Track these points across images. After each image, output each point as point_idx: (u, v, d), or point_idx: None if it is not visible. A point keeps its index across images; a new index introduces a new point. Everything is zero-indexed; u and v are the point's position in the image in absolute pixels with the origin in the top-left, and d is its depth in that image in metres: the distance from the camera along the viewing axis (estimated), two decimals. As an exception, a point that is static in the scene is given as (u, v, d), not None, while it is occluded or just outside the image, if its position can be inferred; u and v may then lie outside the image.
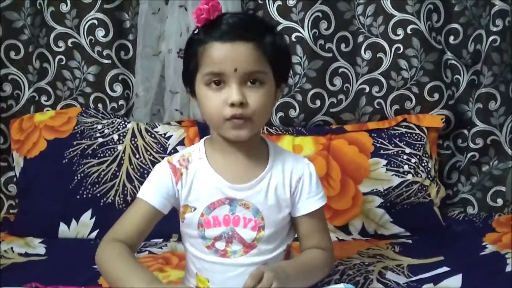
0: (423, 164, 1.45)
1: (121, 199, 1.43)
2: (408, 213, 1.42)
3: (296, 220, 0.96)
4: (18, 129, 1.56)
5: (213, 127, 0.91)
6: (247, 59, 0.83)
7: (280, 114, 1.56)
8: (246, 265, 0.90)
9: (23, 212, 1.50)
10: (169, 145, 1.49)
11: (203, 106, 0.88)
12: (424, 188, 1.43)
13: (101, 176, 1.45)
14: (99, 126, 1.51)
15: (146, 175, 1.41)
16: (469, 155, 1.56)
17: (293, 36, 1.51)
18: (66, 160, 1.46)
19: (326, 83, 1.56)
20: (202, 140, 0.97)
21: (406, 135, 1.49)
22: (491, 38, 1.49)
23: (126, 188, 1.44)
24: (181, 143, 1.49)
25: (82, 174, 1.45)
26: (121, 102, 1.60)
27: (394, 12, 1.51)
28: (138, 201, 0.92)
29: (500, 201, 1.52)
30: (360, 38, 1.56)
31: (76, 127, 1.51)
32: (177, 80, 1.54)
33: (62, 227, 1.43)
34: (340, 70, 1.56)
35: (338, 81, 1.57)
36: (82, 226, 1.43)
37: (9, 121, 1.59)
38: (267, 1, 1.51)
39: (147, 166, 1.45)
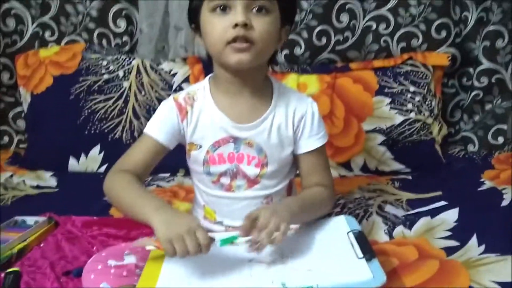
0: (426, 103, 1.46)
1: (128, 135, 1.46)
2: (410, 151, 1.44)
3: (298, 158, 0.97)
4: (24, 65, 1.56)
5: (215, 55, 0.90)
6: None
7: (285, 51, 1.55)
8: (250, 198, 0.94)
9: (33, 146, 1.54)
10: (174, 82, 1.49)
11: (206, 34, 0.87)
12: (426, 126, 1.45)
13: (108, 112, 1.47)
14: (104, 63, 1.51)
15: (152, 112, 1.43)
16: (473, 93, 1.56)
17: (300, -30, 1.48)
18: (73, 96, 1.48)
19: (332, 20, 1.53)
20: (207, 78, 0.97)
21: (411, 73, 1.48)
22: (502, -26, 1.45)
23: (133, 124, 1.46)
24: (186, 80, 1.49)
25: (89, 110, 1.47)
26: (125, 38, 1.59)
27: None
28: (145, 136, 0.94)
29: (501, 139, 1.53)
30: (369, -27, 1.52)
31: (81, 63, 1.51)
32: (182, 15, 1.51)
33: (72, 161, 1.47)
34: (347, 6, 1.53)
35: (345, 17, 1.54)
36: (91, 160, 1.46)
37: (14, 57, 1.60)
38: None
39: (153, 103, 1.47)
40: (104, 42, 1.59)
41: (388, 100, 1.44)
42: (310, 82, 1.47)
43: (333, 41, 1.55)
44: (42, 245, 1.01)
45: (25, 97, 1.55)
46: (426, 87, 1.47)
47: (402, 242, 0.99)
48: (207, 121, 0.93)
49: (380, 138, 1.43)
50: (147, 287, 0.76)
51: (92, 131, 1.46)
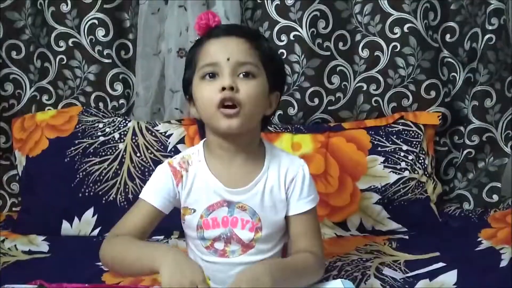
0: (420, 161, 1.48)
1: (123, 197, 1.45)
2: (405, 209, 1.44)
3: (287, 220, 0.97)
4: (20, 128, 1.58)
5: (206, 120, 0.92)
6: (239, 49, 0.89)
7: (279, 112, 1.57)
8: (245, 264, 0.92)
9: (26, 210, 1.52)
10: (169, 143, 1.51)
11: (197, 100, 0.91)
12: (421, 185, 1.46)
13: (103, 174, 1.47)
14: (100, 125, 1.52)
15: (147, 173, 1.45)
16: (465, 151, 1.59)
17: (291, 35, 1.53)
18: (68, 159, 1.48)
19: (324, 81, 1.58)
20: (201, 142, 0.99)
21: (403, 132, 1.51)
22: (486, 37, 1.51)
23: (127, 186, 1.46)
24: (182, 141, 1.51)
25: (84, 173, 1.47)
26: (121, 101, 1.62)
27: (391, 11, 1.54)
28: (140, 201, 0.95)
29: (495, 197, 1.54)
30: (358, 37, 1.58)
31: (77, 126, 1.52)
32: (177, 79, 1.55)
33: (65, 224, 1.45)
34: (338, 68, 1.58)
35: (336, 79, 1.59)
36: (84, 223, 1.45)
37: (11, 120, 1.61)
38: (265, 0, 1.53)
39: (148, 164, 1.47)
40: (101, 105, 1.62)
41: (381, 159, 1.46)
42: (304, 142, 1.49)
43: (325, 101, 1.58)
44: (31, 315, 0.98)
45: (20, 160, 1.55)
46: (419, 146, 1.49)
47: (401, 306, 0.98)
48: (202, 185, 0.94)
49: (376, 197, 1.43)
50: None
51: (86, 194, 1.45)
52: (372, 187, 1.43)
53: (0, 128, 1.64)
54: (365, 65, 1.58)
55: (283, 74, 1.02)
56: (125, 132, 1.51)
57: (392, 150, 1.47)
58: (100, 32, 1.57)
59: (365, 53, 1.57)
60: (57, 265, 1.25)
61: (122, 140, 1.50)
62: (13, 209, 1.65)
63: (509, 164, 1.57)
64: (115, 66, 1.60)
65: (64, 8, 1.56)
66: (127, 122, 1.54)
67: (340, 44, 1.57)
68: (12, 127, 1.60)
